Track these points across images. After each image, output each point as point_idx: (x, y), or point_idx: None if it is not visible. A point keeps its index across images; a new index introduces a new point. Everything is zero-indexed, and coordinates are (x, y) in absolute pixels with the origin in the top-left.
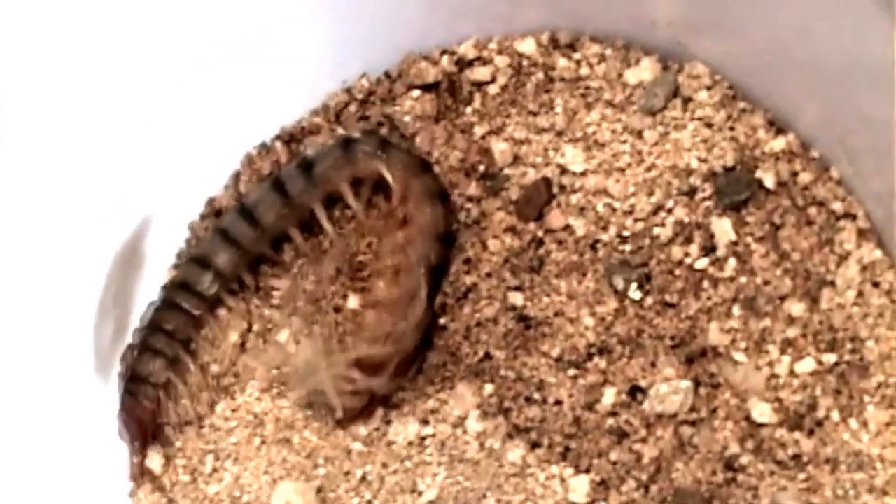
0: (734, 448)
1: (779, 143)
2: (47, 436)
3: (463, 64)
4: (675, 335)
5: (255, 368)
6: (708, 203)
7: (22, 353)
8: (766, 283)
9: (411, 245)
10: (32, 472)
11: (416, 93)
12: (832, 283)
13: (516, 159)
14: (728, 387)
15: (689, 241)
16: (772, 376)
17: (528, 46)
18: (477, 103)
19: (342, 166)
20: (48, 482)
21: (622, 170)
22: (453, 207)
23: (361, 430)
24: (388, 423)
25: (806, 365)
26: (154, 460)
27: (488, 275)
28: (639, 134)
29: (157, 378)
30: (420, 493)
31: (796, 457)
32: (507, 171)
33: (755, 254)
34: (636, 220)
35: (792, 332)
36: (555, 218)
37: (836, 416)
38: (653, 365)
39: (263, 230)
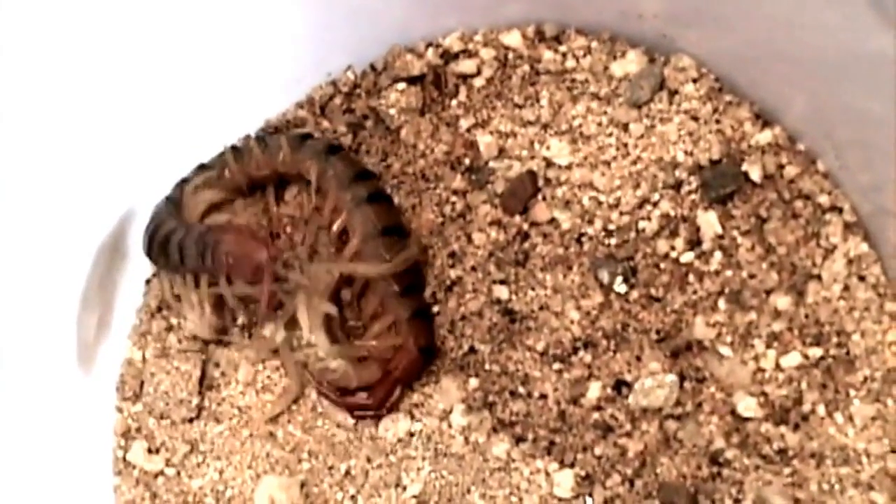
0: (719, 442)
1: (765, 137)
2: (29, 428)
3: (448, 56)
4: (660, 329)
5: (238, 362)
6: (694, 196)
7: (4, 344)
8: (752, 276)
9: (363, 254)
10: (14, 464)
11: (401, 85)
12: (818, 277)
13: (502, 152)
14: (713, 381)
15: (674, 234)
16: (757, 370)
17: (513, 39)
18: (462, 96)
19: (269, 157)
20: (30, 475)
21: (608, 163)
22: (391, 205)
23: (349, 420)
24: None
25: (792, 359)
26: (137, 453)
27: (473, 268)
28: (624, 127)
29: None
30: (404, 488)
31: (782, 451)
32: (492, 164)
33: (741, 247)
34: (622, 213)
35: (778, 326)
36: (540, 211)
37: (821, 410)
38: (638, 359)
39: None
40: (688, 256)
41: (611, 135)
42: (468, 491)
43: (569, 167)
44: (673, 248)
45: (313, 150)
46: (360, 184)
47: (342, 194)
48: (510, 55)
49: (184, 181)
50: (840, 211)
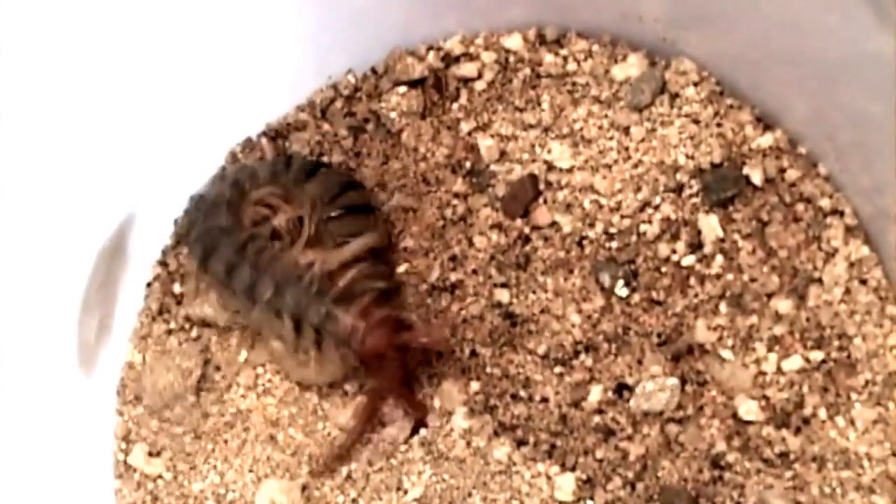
0: (721, 446)
1: (766, 140)
2: (30, 431)
3: (449, 60)
4: (661, 332)
5: (240, 365)
6: (695, 200)
7: (4, 346)
8: (753, 280)
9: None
10: (15, 467)
11: (402, 89)
12: (819, 281)
13: (503, 156)
14: (715, 384)
15: (675, 237)
16: (759, 374)
17: (514, 42)
18: (463, 99)
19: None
20: (31, 477)
21: (609, 166)
22: (365, 213)
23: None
24: None
25: (793, 362)
26: (138, 457)
27: (474, 272)
28: (626, 130)
29: None
30: (405, 492)
31: (783, 455)
32: (493, 167)
33: (742, 251)
34: (623, 216)
35: (779, 330)
36: (541, 215)
37: (823, 413)
38: (639, 362)
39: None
40: (689, 260)
41: (612, 138)
42: (469, 495)
43: (570, 170)
44: (674, 251)
45: (291, 180)
46: (333, 202)
47: (318, 215)
48: (511, 58)
49: (236, 184)
50: (841, 214)
